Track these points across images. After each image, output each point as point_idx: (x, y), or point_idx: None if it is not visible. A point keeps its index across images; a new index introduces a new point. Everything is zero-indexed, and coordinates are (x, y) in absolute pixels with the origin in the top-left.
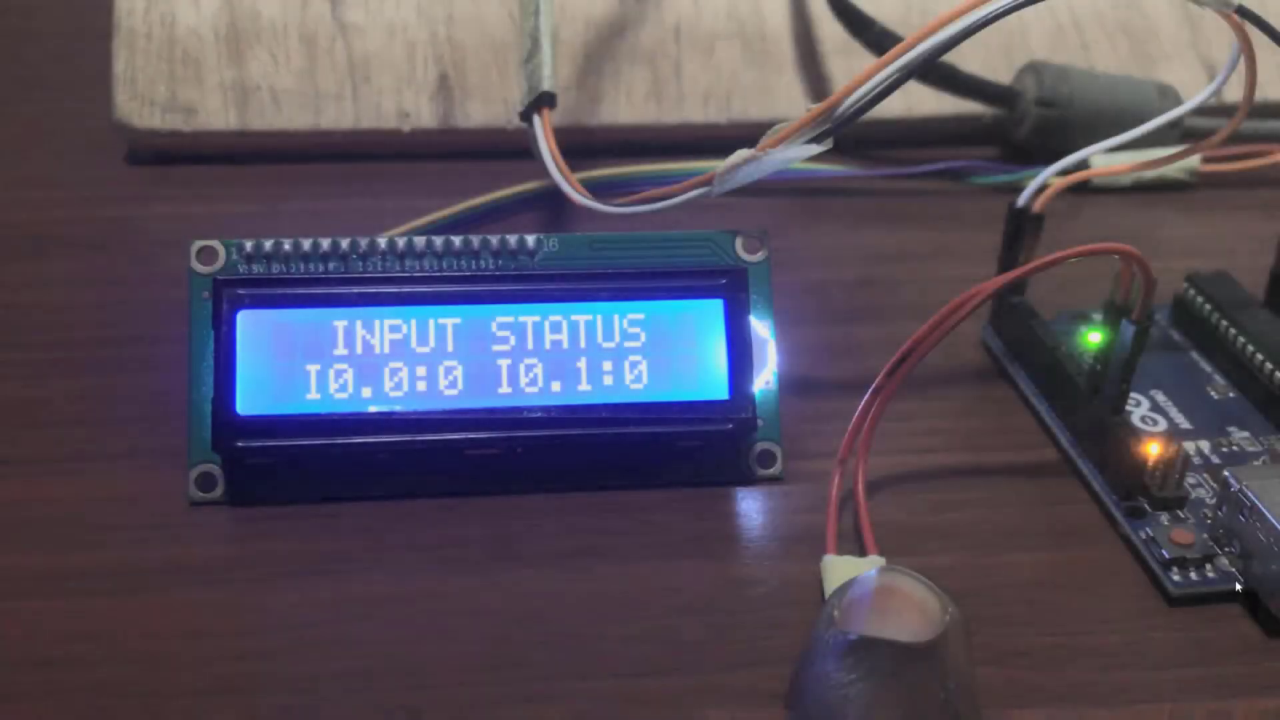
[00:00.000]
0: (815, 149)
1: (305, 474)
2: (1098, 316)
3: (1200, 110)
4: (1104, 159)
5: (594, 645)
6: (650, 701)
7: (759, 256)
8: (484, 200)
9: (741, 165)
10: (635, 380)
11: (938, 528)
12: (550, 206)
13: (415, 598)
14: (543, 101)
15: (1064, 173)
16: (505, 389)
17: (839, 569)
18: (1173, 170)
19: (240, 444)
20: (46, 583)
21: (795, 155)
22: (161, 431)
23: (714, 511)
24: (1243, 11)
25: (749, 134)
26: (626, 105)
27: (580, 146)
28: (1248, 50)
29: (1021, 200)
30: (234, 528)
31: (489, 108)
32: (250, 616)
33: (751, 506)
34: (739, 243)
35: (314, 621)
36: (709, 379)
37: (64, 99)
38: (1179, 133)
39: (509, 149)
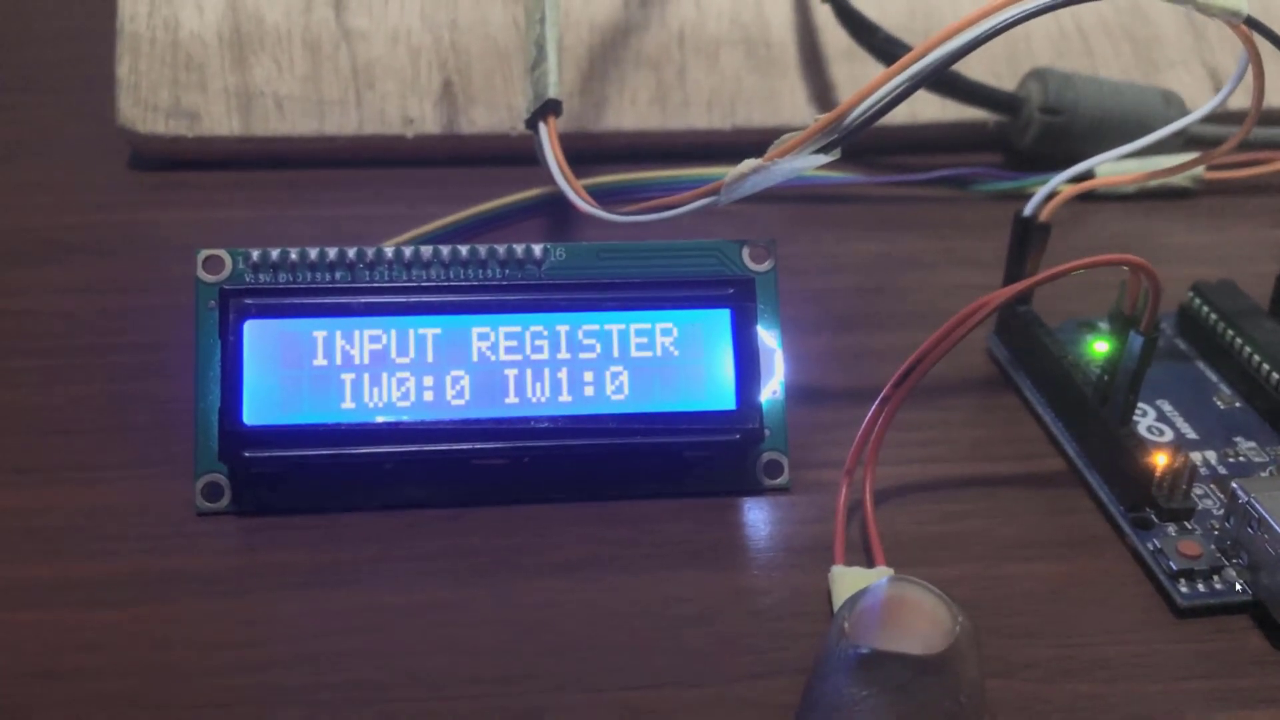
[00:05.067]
0: (823, 159)
1: (312, 484)
2: (1103, 325)
3: (1204, 117)
4: (1110, 167)
5: (601, 656)
6: (657, 713)
7: (766, 266)
8: (488, 207)
9: (749, 175)
10: (642, 390)
11: (945, 538)
12: (554, 213)
13: (422, 608)
14: (549, 109)
15: (1071, 181)
16: (512, 399)
17: (847, 580)
18: (1177, 177)
19: (247, 454)
20: (53, 592)
21: (803, 165)
22: (168, 440)
23: (721, 522)
24: (1251, 22)
25: (753, 140)
26: (630, 111)
27: (584, 152)
28: (1255, 59)
29: (1028, 209)
30: (241, 537)
31: (493, 114)
32: (257, 627)
33: (758, 517)
34: (746, 252)
35: (321, 632)
36: (716, 389)
37: (67, 104)
38: (1183, 139)
39: (512, 155)
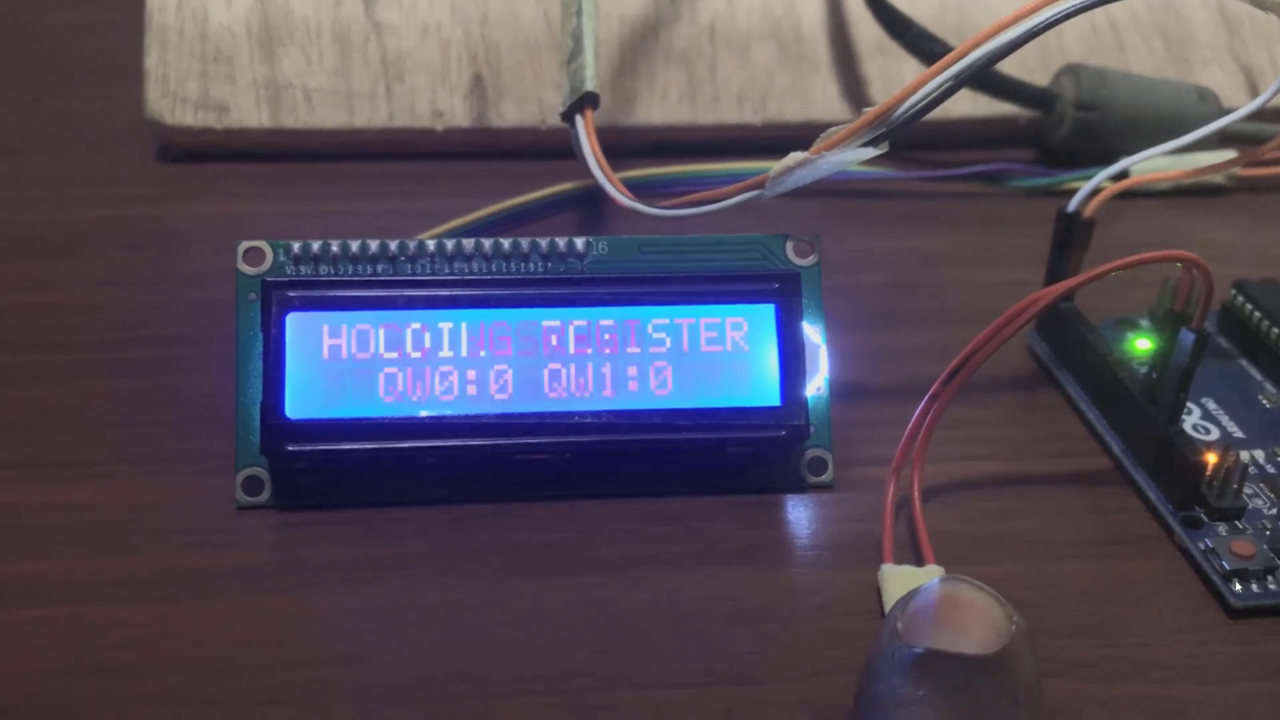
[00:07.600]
0: (871, 152)
1: (353, 478)
2: (1144, 322)
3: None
4: (1147, 164)
5: (647, 654)
6: (705, 712)
7: (810, 260)
8: (521, 201)
9: (795, 168)
10: (686, 386)
11: (992, 537)
12: (587, 207)
13: (466, 605)
14: (586, 102)
15: (1115, 177)
16: (555, 394)
17: (898, 579)
18: (1211, 174)
19: (290, 448)
20: (92, 588)
21: (850, 158)
22: (207, 434)
23: (766, 519)
24: None
25: (784, 135)
26: (661, 106)
27: (614, 147)
28: None
29: (1073, 205)
30: (281, 532)
31: (523, 108)
32: (299, 623)
33: (803, 514)
34: (789, 246)
35: (364, 628)
36: (761, 385)
37: (94, 96)
38: (1218, 136)
39: (542, 149)
